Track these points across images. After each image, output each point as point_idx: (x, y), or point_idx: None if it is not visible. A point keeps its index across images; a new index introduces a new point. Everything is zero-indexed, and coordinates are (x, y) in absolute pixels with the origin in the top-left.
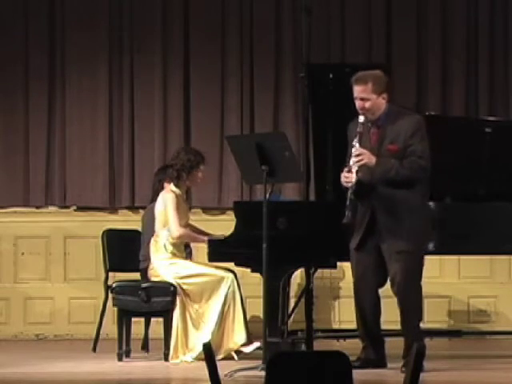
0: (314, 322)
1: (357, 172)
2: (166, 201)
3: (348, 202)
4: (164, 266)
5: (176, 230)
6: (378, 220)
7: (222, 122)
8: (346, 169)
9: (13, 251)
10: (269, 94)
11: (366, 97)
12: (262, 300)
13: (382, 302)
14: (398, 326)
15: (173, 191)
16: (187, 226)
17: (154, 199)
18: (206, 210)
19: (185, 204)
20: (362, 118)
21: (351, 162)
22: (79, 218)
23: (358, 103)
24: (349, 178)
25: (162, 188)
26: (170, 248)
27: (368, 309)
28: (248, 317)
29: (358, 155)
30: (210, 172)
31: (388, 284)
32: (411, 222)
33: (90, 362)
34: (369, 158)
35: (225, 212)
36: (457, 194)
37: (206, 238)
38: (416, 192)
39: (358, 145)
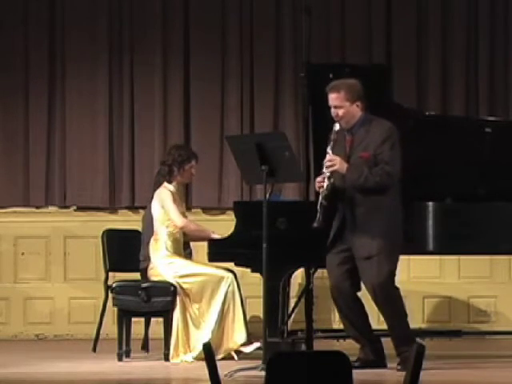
0: (314, 321)
1: (329, 178)
2: (161, 196)
3: (319, 207)
4: (163, 264)
5: (179, 221)
6: (347, 225)
7: (221, 122)
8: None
9: (13, 251)
10: (269, 93)
11: (339, 104)
12: (262, 300)
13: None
14: None
15: (166, 187)
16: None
17: None
18: (206, 209)
19: (180, 202)
20: (337, 126)
21: (323, 168)
22: (79, 218)
23: (332, 111)
24: (321, 182)
25: None
26: (170, 246)
27: (351, 314)
28: (248, 317)
29: (329, 161)
30: (210, 172)
31: None
32: (376, 229)
33: (90, 361)
34: (340, 164)
35: (225, 212)
36: (457, 194)
37: (211, 233)
38: (385, 199)
39: (330, 151)
